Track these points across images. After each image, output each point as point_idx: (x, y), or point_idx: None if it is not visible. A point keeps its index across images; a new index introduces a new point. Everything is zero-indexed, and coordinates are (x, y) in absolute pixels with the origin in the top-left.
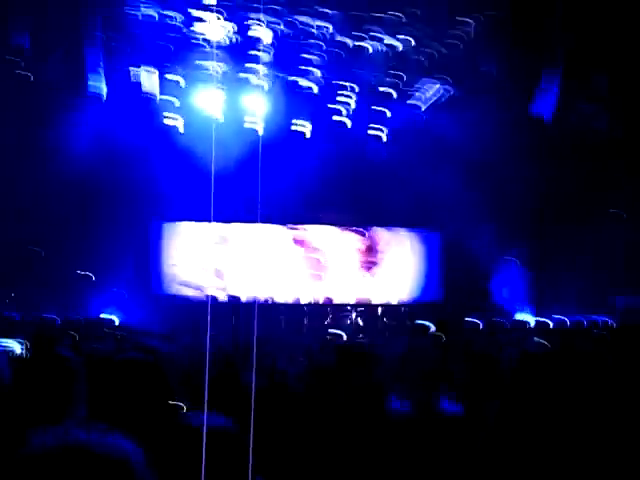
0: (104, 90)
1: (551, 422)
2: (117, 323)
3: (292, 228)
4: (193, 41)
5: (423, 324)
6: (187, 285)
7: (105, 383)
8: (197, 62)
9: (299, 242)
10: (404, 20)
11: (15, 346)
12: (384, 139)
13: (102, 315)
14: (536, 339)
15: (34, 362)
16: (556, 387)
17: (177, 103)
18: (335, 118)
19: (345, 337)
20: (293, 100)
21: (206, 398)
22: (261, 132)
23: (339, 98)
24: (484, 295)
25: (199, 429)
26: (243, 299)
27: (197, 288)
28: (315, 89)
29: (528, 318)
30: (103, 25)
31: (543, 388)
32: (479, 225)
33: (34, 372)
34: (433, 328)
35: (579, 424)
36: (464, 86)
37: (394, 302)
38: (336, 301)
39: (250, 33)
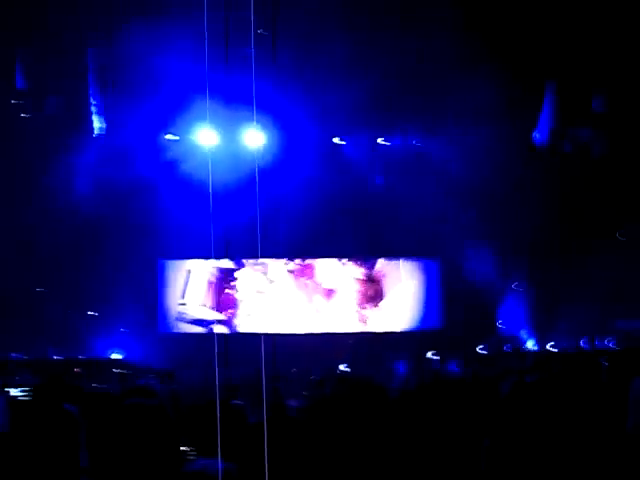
0: (104, 127)
1: (543, 452)
2: (121, 361)
3: (294, 261)
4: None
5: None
6: (193, 322)
7: (110, 429)
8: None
9: (301, 275)
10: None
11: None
12: (383, 169)
13: (108, 354)
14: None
15: (38, 413)
16: (548, 416)
17: (178, 139)
18: (335, 148)
19: (347, 369)
20: (293, 132)
21: (218, 441)
22: (260, 166)
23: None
24: (485, 321)
25: (202, 475)
26: (247, 332)
27: (202, 324)
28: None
29: (529, 344)
30: (103, 62)
31: (535, 417)
32: (480, 252)
33: (38, 423)
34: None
35: (569, 451)
36: (461, 114)
37: (395, 330)
38: (338, 331)
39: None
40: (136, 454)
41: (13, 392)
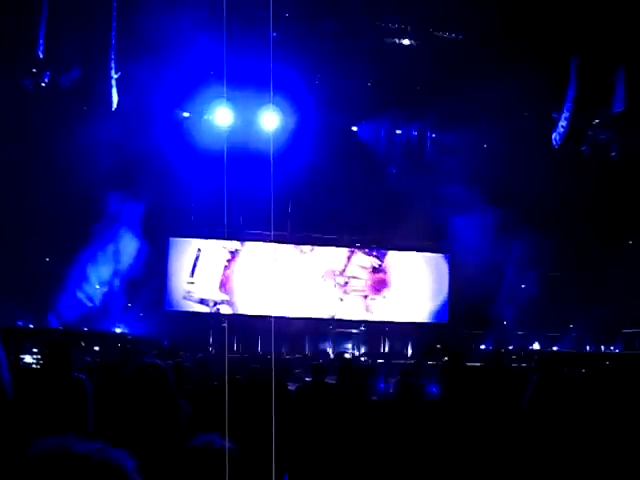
0: (116, 100)
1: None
2: (126, 336)
3: (303, 246)
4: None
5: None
6: (199, 301)
7: (112, 396)
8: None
9: (309, 260)
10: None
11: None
12: (398, 160)
13: (113, 328)
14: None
15: (49, 380)
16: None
17: (194, 117)
18: (351, 135)
19: (350, 356)
20: (309, 117)
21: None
22: (275, 148)
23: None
24: (491, 319)
25: (200, 450)
26: (250, 314)
27: (208, 304)
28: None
29: (535, 345)
30: (119, 36)
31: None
32: (491, 250)
33: (47, 389)
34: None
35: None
36: (480, 108)
37: (401, 322)
38: (343, 318)
39: None
40: (139, 425)
41: (27, 359)
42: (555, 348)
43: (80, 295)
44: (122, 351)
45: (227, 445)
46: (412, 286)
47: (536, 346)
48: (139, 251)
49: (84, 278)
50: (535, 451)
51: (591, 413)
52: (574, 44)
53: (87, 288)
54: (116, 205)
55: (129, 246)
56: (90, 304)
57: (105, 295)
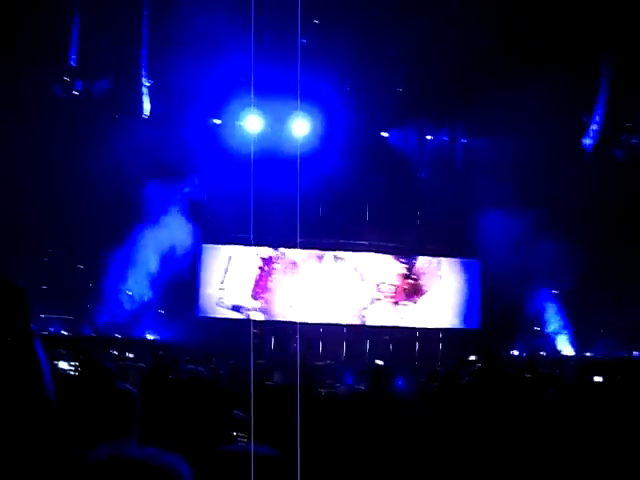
0: (147, 108)
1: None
2: (160, 342)
3: (334, 252)
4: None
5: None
6: (230, 308)
7: (161, 403)
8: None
9: (340, 266)
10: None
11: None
12: (429, 165)
13: (145, 334)
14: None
15: (89, 389)
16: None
17: (226, 124)
18: (382, 141)
19: (381, 362)
20: (339, 123)
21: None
22: (304, 154)
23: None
24: (523, 325)
25: (245, 456)
26: (282, 320)
27: (240, 310)
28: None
29: (568, 350)
30: (150, 44)
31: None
32: (522, 254)
33: (89, 398)
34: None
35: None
36: (511, 113)
37: (432, 328)
38: (373, 324)
39: None
40: (193, 432)
41: (62, 365)
42: (588, 354)
43: (117, 301)
44: (158, 357)
45: (259, 450)
46: (443, 291)
47: (569, 352)
48: (171, 257)
49: (116, 286)
50: (549, 453)
51: (619, 421)
52: (605, 46)
53: (119, 295)
54: (146, 212)
55: (178, 230)
56: (127, 306)
57: (136, 301)
